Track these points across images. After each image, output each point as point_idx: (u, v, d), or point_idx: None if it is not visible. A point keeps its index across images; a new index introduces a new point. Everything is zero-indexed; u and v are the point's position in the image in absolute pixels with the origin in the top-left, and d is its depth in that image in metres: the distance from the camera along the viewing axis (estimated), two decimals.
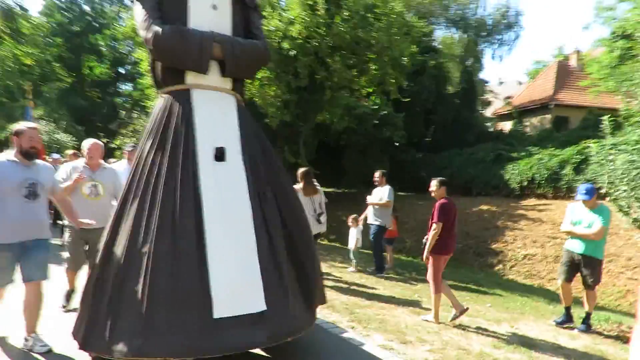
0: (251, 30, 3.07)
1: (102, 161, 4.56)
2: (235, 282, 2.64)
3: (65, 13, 33.34)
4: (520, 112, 24.52)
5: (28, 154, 3.32)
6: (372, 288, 6.17)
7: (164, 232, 2.60)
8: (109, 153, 19.12)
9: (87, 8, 35.09)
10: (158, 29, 2.73)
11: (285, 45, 8.69)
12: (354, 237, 7.26)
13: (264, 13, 9.70)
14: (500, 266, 11.00)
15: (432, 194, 4.65)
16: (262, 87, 9.63)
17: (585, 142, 12.21)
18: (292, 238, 3.01)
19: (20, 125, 3.42)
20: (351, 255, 7.33)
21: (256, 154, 2.94)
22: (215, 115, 2.84)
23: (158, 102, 2.94)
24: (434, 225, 4.34)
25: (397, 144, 16.12)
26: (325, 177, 14.08)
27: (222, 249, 2.65)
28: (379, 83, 10.20)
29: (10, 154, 3.36)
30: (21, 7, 22.64)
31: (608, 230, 4.36)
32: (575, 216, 4.36)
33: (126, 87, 38.70)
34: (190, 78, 2.83)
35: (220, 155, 2.76)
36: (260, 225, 2.80)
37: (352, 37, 8.69)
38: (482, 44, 24.65)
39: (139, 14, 2.87)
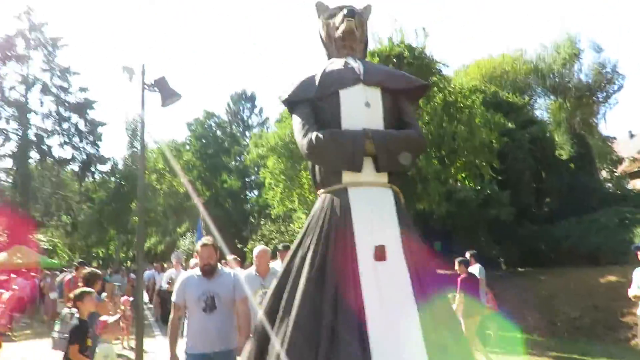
0: (403, 119, 2.98)
1: (270, 265, 4.73)
2: None
3: (203, 140, 39.79)
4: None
5: (204, 272, 3.68)
6: None
7: (324, 336, 2.44)
8: (243, 257, 22.08)
9: (218, 133, 41.79)
10: (312, 135, 2.75)
11: None
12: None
13: None
14: (636, 340, 10.22)
15: (457, 271, 6.19)
16: None
17: None
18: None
19: (198, 244, 3.82)
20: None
21: (416, 251, 2.76)
22: (373, 212, 2.72)
23: (317, 202, 2.92)
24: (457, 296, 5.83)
25: (506, 221, 16.18)
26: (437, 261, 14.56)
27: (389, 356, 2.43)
28: (470, 168, 11.11)
29: (197, 269, 3.81)
30: (177, 149, 28.45)
31: None
32: None
33: (252, 195, 43.87)
34: (347, 177, 2.78)
35: (380, 254, 2.60)
36: (428, 329, 2.54)
37: (433, 137, 9.99)
38: (586, 105, 24.04)
39: (295, 122, 2.95)
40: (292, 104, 3.05)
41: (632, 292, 4.84)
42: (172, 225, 31.35)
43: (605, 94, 25.17)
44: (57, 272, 15.44)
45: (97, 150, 24.87)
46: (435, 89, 11.07)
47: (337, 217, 2.71)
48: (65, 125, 24.30)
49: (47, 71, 24.33)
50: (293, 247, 2.86)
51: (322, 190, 2.92)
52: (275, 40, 71.93)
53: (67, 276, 9.65)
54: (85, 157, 24.43)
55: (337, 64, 2.99)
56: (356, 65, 2.94)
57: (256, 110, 49.22)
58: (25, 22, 23.71)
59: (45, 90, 24.01)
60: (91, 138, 24.62)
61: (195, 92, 74.67)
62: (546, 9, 57.93)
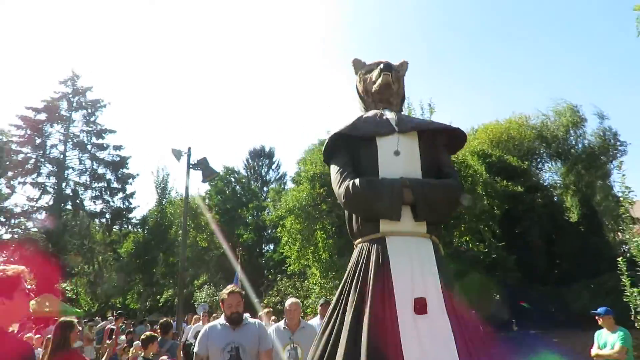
0: (441, 169, 2.92)
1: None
2: None
3: (221, 196, 41.29)
4: None
5: (230, 320, 3.61)
6: None
7: None
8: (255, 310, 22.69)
9: (237, 187, 43.39)
10: (349, 183, 2.70)
11: None
12: None
13: None
14: None
15: None
16: None
17: None
18: None
19: (224, 291, 3.78)
20: None
21: (458, 306, 2.65)
22: (413, 262, 2.63)
23: (354, 253, 2.84)
24: None
25: (514, 284, 16.73)
26: None
27: None
28: (473, 233, 12.01)
29: (222, 318, 3.76)
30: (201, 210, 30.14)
31: (631, 352, 5.39)
32: (601, 340, 5.50)
33: (268, 249, 44.70)
34: (384, 226, 2.70)
35: (420, 307, 2.48)
36: None
37: None
38: (591, 168, 24.93)
39: (332, 171, 2.92)
40: (329, 153, 3.01)
41: (594, 352, 5.59)
42: (190, 277, 32.15)
43: (611, 158, 26.07)
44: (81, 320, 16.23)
45: (128, 205, 26.57)
46: None
47: (375, 266, 2.61)
48: (99, 182, 26.19)
49: (85, 132, 26.61)
50: (333, 302, 2.78)
51: (359, 240, 2.85)
52: (294, 96, 75.36)
53: (108, 325, 10.47)
54: (114, 210, 26.10)
55: (372, 113, 2.99)
56: (391, 115, 2.93)
57: (274, 166, 51.24)
58: (69, 87, 26.25)
59: (82, 148, 26.10)
60: (121, 194, 26.38)
61: (215, 147, 77.56)
62: (547, 75, 60.19)
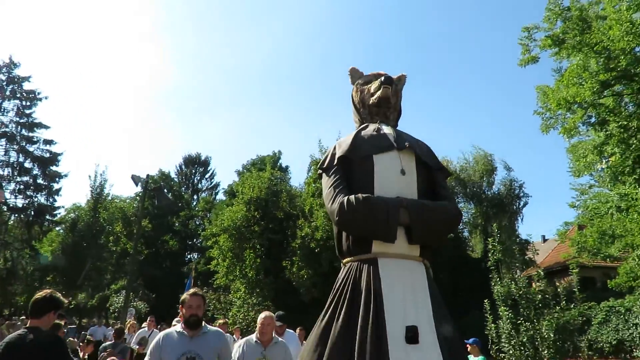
0: (438, 192, 2.78)
1: (274, 335, 4.36)
2: None
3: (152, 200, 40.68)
4: (549, 274, 26.33)
5: (188, 323, 3.31)
6: None
7: None
8: (173, 315, 22.87)
9: (169, 194, 42.94)
10: (343, 199, 2.53)
11: (312, 245, 12.72)
12: None
13: (299, 222, 13.95)
14: None
15: None
16: (298, 271, 13.37)
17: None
18: None
19: (187, 293, 3.47)
20: None
21: (449, 333, 2.54)
22: (405, 288, 2.50)
23: (342, 271, 2.68)
24: None
25: None
26: None
27: None
28: None
29: (178, 325, 3.43)
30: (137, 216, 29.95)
31: None
32: None
33: (192, 257, 44.38)
34: (377, 247, 2.56)
35: (412, 335, 2.35)
36: None
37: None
38: (499, 212, 28.24)
39: (325, 185, 2.76)
40: (323, 169, 2.86)
41: None
42: (108, 281, 31.44)
43: (515, 205, 29.71)
44: None
45: (53, 202, 25.68)
46: None
47: (365, 288, 2.46)
48: (24, 176, 25.19)
49: (16, 122, 25.57)
50: (318, 321, 2.58)
51: (348, 259, 2.69)
52: (236, 107, 75.66)
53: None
54: (37, 207, 25.12)
55: (370, 129, 2.86)
56: (389, 131, 2.82)
57: (207, 175, 51.02)
58: (4, 74, 25.22)
59: (10, 139, 25.05)
60: (46, 191, 25.51)
61: (147, 149, 75.58)
62: (468, 123, 66.04)
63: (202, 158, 51.06)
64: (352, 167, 2.70)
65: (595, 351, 14.35)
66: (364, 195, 2.50)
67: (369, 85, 2.99)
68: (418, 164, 2.73)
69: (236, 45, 75.79)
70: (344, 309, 2.41)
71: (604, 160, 13.03)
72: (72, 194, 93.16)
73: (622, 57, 10.38)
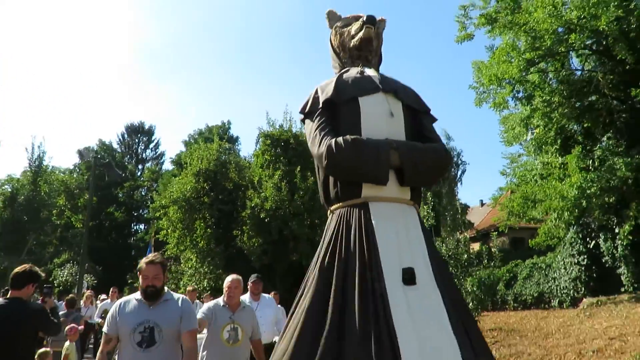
0: (425, 135, 2.66)
1: (242, 298, 4.17)
2: None
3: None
4: (483, 235, 28.52)
5: (146, 295, 3.05)
6: None
7: None
8: (123, 288, 22.93)
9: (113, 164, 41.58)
10: (331, 142, 2.39)
11: (262, 215, 13.15)
12: None
13: (248, 193, 14.30)
14: None
15: None
16: (249, 240, 13.80)
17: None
18: None
19: (142, 261, 3.16)
20: None
21: (444, 273, 2.47)
22: (398, 230, 2.39)
23: (331, 220, 2.52)
24: None
25: None
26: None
27: None
28: None
29: (138, 293, 3.15)
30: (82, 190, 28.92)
31: None
32: None
33: (139, 229, 43.65)
34: (367, 190, 2.42)
35: (409, 277, 2.26)
36: None
37: (305, 207, 13.14)
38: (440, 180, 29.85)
39: (309, 129, 2.61)
40: (306, 114, 2.71)
41: None
42: (50, 255, 30.48)
43: (455, 172, 31.44)
44: None
45: None
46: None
47: (358, 234, 2.36)
48: None
49: None
50: (311, 268, 2.48)
51: (336, 205, 2.55)
52: (182, 73, 72.94)
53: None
54: None
55: (353, 72, 2.72)
56: (373, 74, 2.70)
57: (152, 145, 49.50)
58: None
59: None
60: None
61: (87, 116, 71.80)
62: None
63: (146, 127, 49.47)
64: (337, 111, 2.58)
65: (520, 303, 16.05)
66: (352, 136, 2.39)
67: (349, 27, 2.85)
68: (405, 108, 2.64)
69: (182, 4, 72.47)
70: (337, 257, 2.32)
71: (530, 132, 14.24)
72: (4, 165, 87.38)
73: (547, 37, 11.28)
